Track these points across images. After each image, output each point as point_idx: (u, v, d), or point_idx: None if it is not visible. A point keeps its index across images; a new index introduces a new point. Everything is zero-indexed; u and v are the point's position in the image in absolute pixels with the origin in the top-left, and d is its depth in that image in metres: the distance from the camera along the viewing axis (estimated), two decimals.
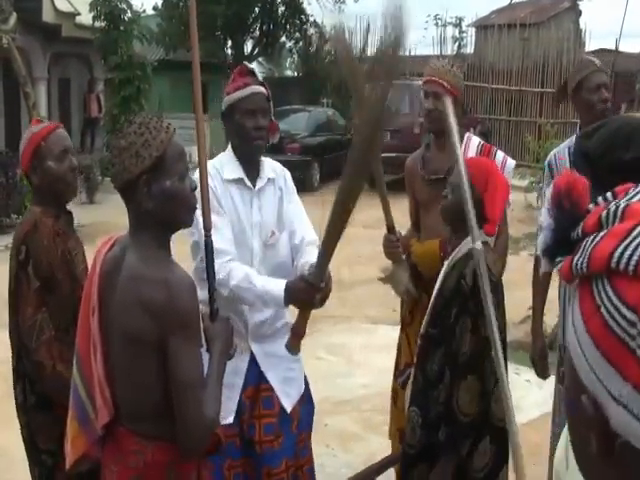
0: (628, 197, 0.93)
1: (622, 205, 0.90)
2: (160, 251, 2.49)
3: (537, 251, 4.25)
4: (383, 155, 4.43)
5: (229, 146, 3.76)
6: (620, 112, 17.35)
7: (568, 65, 21.82)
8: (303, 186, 18.22)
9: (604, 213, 0.91)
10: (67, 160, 3.53)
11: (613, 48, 20.28)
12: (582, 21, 32.96)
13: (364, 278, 9.56)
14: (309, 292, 3.32)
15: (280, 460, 3.66)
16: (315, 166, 19.22)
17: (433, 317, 3.32)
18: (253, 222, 3.65)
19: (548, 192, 1.05)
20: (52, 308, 3.35)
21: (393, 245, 4.14)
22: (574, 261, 0.91)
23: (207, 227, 2.91)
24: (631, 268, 0.83)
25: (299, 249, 3.77)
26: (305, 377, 3.97)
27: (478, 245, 2.99)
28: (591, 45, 24.14)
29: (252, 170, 3.69)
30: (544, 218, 1.03)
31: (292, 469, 3.72)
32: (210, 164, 3.44)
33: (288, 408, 3.73)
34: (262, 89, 3.64)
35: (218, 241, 3.22)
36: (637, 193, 0.93)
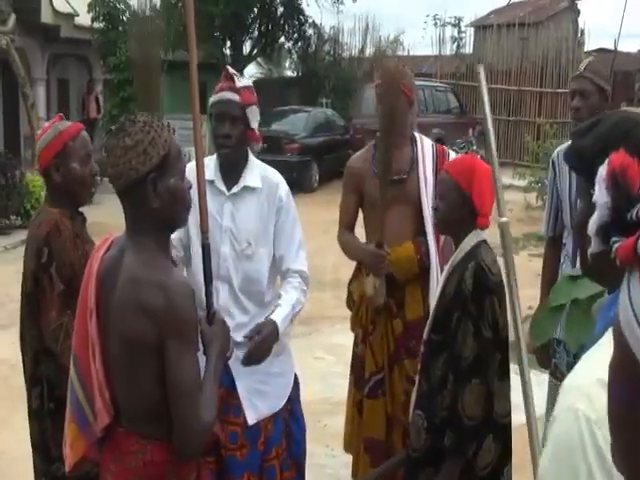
0: None
1: None
2: (159, 254, 2.49)
3: (548, 233, 4.31)
4: None
5: None
6: None
7: (567, 65, 21.84)
8: (302, 186, 18.23)
9: None
10: (89, 164, 3.54)
11: (612, 48, 20.26)
12: (581, 20, 32.99)
13: None
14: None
15: (241, 472, 3.59)
16: (314, 166, 19.22)
17: (435, 322, 3.30)
18: (223, 227, 3.59)
19: (602, 170, 1.03)
20: (75, 311, 3.34)
21: (383, 260, 4.05)
22: None
23: (204, 229, 2.89)
24: None
25: (284, 277, 3.73)
26: (294, 395, 3.87)
27: (505, 219, 3.01)
28: (590, 44, 24.08)
29: (232, 175, 3.63)
30: (600, 195, 1.01)
31: None
32: (191, 165, 3.30)
33: (250, 421, 3.62)
34: (234, 96, 3.54)
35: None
36: None
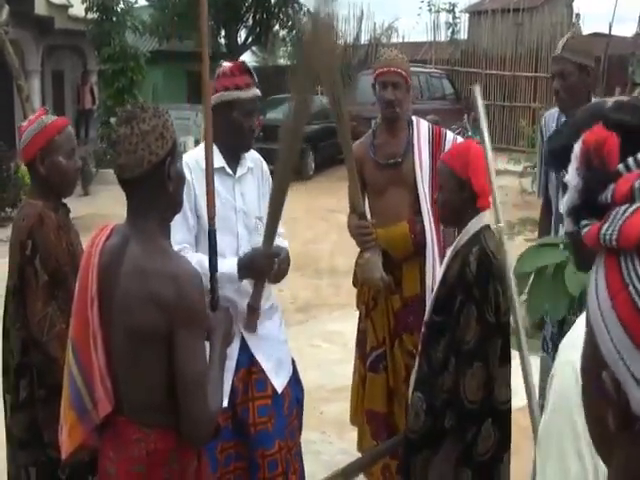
0: None
1: None
2: (164, 242, 2.52)
3: (540, 195, 4.42)
4: None
5: None
6: (614, 96, 17.34)
7: None
8: (298, 174, 18.23)
9: (637, 184, 0.86)
10: (73, 159, 3.59)
11: (606, 32, 20.21)
12: (575, 5, 32.89)
13: None
14: (262, 261, 3.52)
15: (273, 442, 3.75)
16: (310, 154, 19.19)
17: (437, 305, 3.34)
18: (237, 208, 3.74)
19: (576, 148, 1.00)
20: (61, 301, 3.37)
21: (366, 232, 4.22)
22: (602, 230, 0.86)
23: (211, 215, 2.95)
24: None
25: None
26: (292, 359, 4.06)
27: (501, 225, 3.14)
28: (586, 29, 23.96)
29: (233, 159, 3.77)
30: (571, 177, 0.98)
31: (284, 450, 3.80)
32: (189, 156, 3.60)
33: (279, 389, 3.82)
34: (258, 92, 3.73)
35: (177, 234, 3.38)
36: None
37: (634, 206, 0.84)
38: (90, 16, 19.63)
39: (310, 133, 18.99)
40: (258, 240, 3.69)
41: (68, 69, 24.53)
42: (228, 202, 3.70)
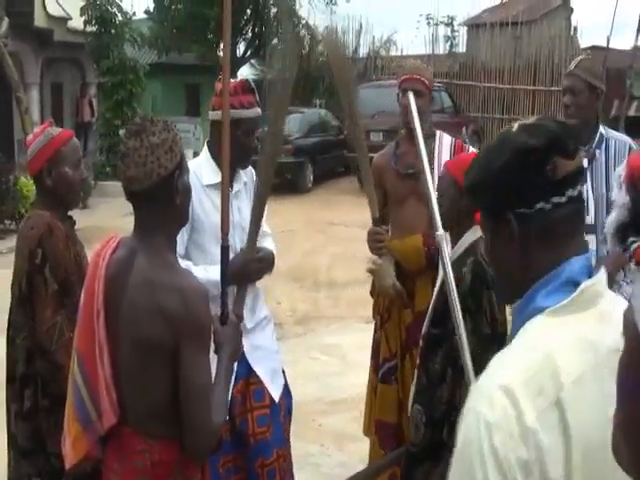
0: None
1: None
2: (171, 256, 2.53)
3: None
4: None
5: (205, 149, 3.86)
6: (612, 108, 17.39)
7: (560, 63, 21.82)
8: (297, 187, 18.27)
9: None
10: (79, 170, 3.62)
11: (604, 44, 20.26)
12: (574, 18, 32.93)
13: (358, 278, 9.54)
14: (246, 265, 3.52)
15: (272, 451, 3.79)
16: (309, 167, 19.24)
17: (434, 317, 3.34)
18: (234, 222, 3.72)
19: (620, 170, 1.05)
20: (69, 311, 3.37)
21: (381, 238, 4.25)
22: None
23: (225, 231, 2.96)
24: None
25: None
26: (282, 369, 4.08)
27: (440, 232, 3.15)
28: (585, 41, 24.05)
29: (232, 174, 3.76)
30: (619, 196, 1.02)
31: (281, 459, 3.83)
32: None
33: (277, 398, 3.86)
34: (259, 111, 3.75)
35: None
36: None
37: None
38: (89, 29, 19.70)
39: (309, 146, 19.06)
40: None
41: (67, 81, 24.56)
42: None
